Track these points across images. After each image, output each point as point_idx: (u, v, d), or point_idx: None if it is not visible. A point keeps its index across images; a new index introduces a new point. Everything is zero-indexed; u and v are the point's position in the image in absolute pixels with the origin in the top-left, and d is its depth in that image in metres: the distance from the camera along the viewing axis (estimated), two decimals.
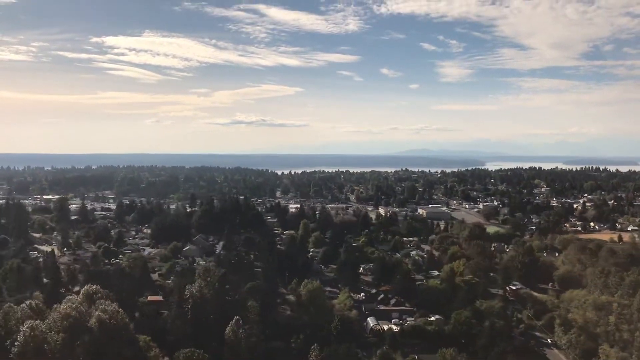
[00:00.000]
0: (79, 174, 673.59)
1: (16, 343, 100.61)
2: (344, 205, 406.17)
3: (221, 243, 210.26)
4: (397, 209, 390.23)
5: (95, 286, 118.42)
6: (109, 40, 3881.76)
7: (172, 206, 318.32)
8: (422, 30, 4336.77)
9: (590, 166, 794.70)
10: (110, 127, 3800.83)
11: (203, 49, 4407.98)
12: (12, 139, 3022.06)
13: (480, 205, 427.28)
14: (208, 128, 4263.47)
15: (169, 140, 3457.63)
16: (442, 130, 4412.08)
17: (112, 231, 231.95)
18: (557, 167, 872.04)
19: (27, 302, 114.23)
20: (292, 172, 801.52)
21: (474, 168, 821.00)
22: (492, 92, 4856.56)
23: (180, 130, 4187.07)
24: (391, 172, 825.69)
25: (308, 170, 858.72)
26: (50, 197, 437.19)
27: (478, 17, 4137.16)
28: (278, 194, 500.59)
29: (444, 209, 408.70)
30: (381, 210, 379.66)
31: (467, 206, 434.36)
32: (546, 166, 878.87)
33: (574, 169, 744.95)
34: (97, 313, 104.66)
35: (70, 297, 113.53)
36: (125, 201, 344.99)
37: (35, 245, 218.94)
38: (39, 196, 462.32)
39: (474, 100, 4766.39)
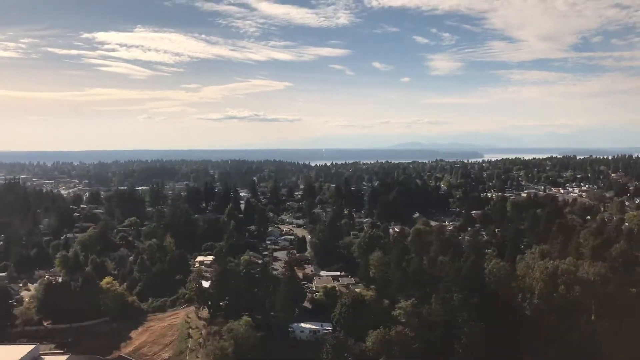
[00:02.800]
0: (143, 167, 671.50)
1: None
2: None
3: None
4: (506, 194, 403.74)
5: None
6: (100, 35, 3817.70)
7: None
8: (415, 23, 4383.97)
9: (622, 154, 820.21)
10: (97, 124, 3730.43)
11: (194, 44, 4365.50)
12: None
13: (575, 190, 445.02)
14: (200, 123, 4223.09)
15: (161, 136, 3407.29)
16: (433, 123, 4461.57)
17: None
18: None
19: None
20: (333, 163, 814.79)
21: (514, 158, 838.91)
22: (482, 85, 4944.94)
23: (173, 126, 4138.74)
24: (427, 162, 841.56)
25: (349, 162, 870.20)
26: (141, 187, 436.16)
27: (469, 10, 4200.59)
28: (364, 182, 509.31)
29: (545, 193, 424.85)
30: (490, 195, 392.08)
31: (561, 190, 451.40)
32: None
33: (610, 157, 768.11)
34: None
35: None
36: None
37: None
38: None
39: (464, 94, 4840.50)
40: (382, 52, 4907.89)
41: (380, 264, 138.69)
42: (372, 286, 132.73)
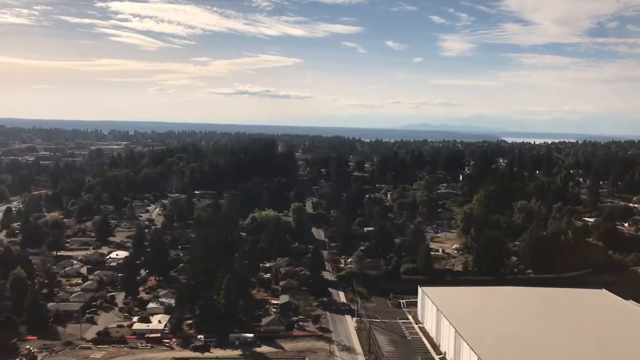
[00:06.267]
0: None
1: None
2: None
3: None
4: None
5: None
6: (115, 5, 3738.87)
7: None
8: (432, 2, 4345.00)
9: None
10: (107, 94, 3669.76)
11: (208, 17, 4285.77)
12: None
13: None
14: (211, 97, 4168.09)
15: (172, 108, 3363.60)
16: (444, 105, 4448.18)
17: None
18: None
19: None
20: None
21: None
22: (492, 67, 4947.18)
23: (184, 99, 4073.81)
24: (488, 142, 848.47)
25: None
26: None
27: None
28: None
29: None
30: None
31: None
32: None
33: None
34: None
35: None
36: None
37: None
38: None
39: (473, 76, 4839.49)
40: (397, 31, 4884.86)
41: None
42: None
